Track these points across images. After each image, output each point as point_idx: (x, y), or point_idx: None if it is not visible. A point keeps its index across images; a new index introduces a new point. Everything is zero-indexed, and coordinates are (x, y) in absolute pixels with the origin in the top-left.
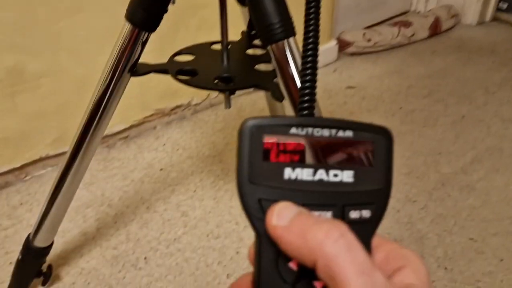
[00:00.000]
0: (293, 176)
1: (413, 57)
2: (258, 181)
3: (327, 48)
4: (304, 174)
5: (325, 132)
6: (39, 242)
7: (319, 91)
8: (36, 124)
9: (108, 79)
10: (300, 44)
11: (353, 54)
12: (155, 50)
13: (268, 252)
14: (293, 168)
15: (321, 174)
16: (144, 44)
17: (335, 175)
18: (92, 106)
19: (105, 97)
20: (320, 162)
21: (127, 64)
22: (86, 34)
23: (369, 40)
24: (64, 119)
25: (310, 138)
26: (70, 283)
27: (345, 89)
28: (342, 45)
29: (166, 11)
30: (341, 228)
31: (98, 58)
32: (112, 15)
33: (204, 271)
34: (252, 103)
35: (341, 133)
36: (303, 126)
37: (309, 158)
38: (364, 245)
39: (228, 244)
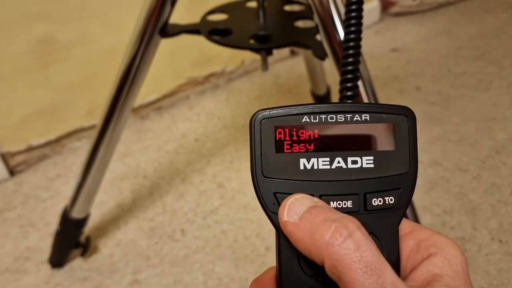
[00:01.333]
0: (309, 167)
1: (463, 15)
2: (272, 175)
3: (369, 9)
4: (320, 163)
5: (340, 118)
6: (76, 213)
7: None
8: (69, 96)
9: (138, 42)
10: None
11: (397, 14)
12: (186, 16)
13: (288, 245)
14: (308, 158)
15: (338, 162)
16: (173, 3)
17: (354, 162)
18: (122, 71)
19: (135, 61)
20: (337, 150)
21: (157, 25)
22: (116, 0)
23: None
24: (96, 90)
25: (324, 126)
26: (108, 254)
27: (389, 52)
28: (385, 4)
29: None
30: (350, 226)
31: (129, 25)
32: None
33: (242, 243)
34: (289, 70)
35: (357, 118)
36: (315, 113)
37: (324, 146)
38: (389, 233)
39: (266, 217)
